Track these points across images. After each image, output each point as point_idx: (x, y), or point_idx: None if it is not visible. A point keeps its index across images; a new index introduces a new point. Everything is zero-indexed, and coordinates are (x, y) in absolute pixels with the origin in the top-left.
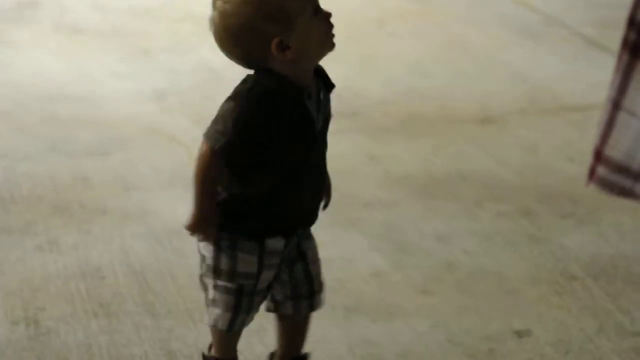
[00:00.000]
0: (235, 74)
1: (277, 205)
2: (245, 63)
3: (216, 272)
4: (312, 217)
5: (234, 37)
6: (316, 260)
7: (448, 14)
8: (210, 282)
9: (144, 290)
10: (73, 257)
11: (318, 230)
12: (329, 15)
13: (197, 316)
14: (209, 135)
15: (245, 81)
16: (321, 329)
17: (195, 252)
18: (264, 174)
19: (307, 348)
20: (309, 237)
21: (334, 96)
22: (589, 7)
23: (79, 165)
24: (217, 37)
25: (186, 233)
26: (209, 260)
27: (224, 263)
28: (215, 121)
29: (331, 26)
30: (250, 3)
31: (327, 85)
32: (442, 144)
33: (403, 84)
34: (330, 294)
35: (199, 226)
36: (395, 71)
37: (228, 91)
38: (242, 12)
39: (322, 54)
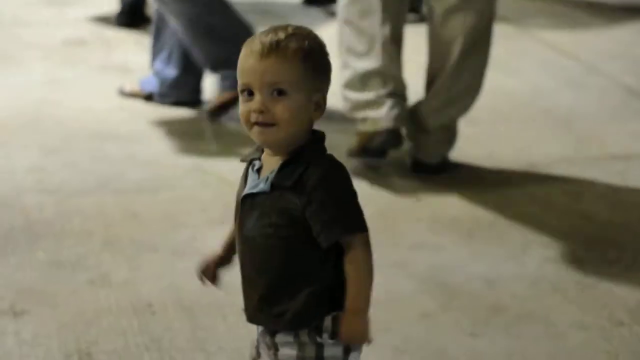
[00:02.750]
0: None
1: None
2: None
3: None
4: (257, 314)
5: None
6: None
7: (491, 63)
8: None
9: (195, 326)
10: (124, 292)
11: None
12: (256, 107)
13: (246, 354)
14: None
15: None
16: None
17: None
18: None
19: None
20: (270, 348)
21: None
22: (628, 58)
23: (128, 201)
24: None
25: (238, 268)
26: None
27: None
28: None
29: (248, 115)
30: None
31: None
32: (488, 189)
33: None
34: (378, 334)
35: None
36: None
37: None
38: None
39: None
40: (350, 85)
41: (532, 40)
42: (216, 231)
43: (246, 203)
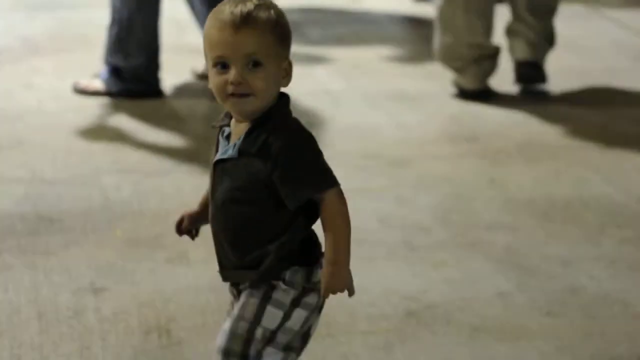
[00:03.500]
0: (356, 95)
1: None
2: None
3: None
4: (231, 273)
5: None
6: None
7: (563, 43)
8: None
9: None
10: (202, 270)
11: (441, 251)
12: (233, 79)
13: (324, 331)
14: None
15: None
16: (447, 347)
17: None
18: None
19: None
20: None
21: (454, 119)
22: None
23: (205, 181)
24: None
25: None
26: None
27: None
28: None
29: (223, 88)
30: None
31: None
32: (563, 169)
33: (522, 109)
34: (456, 313)
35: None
36: (514, 97)
37: (332, 118)
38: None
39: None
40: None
41: (604, 20)
42: None
43: (217, 169)
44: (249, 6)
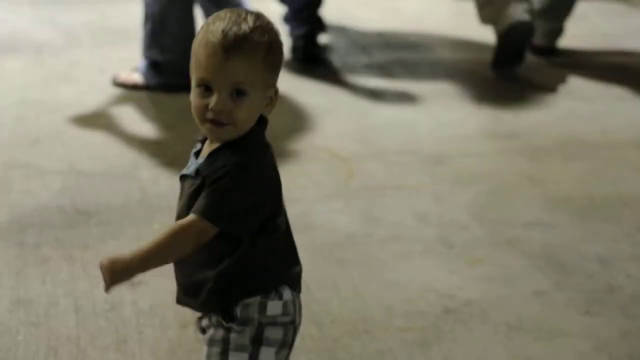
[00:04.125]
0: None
1: None
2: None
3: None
4: (181, 297)
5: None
6: None
7: (604, 40)
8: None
9: (309, 300)
10: None
11: (479, 248)
12: (215, 105)
13: (361, 327)
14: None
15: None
16: (482, 345)
17: (358, 264)
18: None
19: None
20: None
21: (493, 116)
22: None
23: None
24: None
25: (350, 244)
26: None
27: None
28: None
29: (203, 112)
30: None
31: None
32: (601, 167)
33: (561, 107)
34: (492, 311)
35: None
36: (553, 94)
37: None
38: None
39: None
40: None
41: None
42: (328, 205)
43: (181, 184)
44: (244, 28)
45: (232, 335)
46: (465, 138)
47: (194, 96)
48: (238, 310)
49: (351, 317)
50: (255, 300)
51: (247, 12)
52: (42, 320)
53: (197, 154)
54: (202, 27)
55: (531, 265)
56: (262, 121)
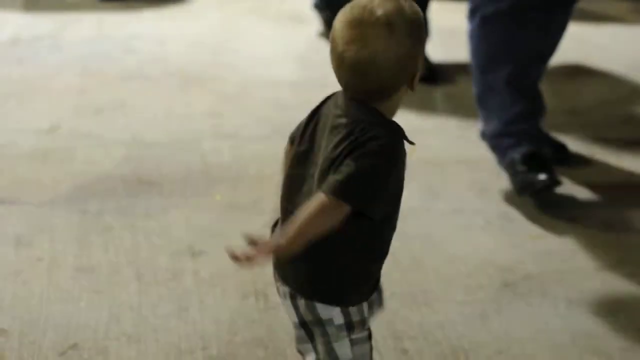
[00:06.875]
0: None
1: None
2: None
3: (350, 327)
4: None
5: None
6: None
7: None
8: (344, 343)
9: None
10: None
11: (539, 222)
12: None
13: (420, 299)
14: (343, 189)
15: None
16: (543, 318)
17: (418, 237)
18: None
19: (528, 336)
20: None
21: (555, 93)
22: None
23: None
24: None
25: (411, 216)
26: (339, 320)
27: (355, 314)
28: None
29: None
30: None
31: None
32: None
33: (625, 84)
34: (552, 285)
35: None
36: (618, 71)
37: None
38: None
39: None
40: None
41: None
42: None
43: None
44: None
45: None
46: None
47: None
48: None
49: (411, 290)
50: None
51: None
52: (104, 287)
53: None
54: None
55: (592, 241)
56: None
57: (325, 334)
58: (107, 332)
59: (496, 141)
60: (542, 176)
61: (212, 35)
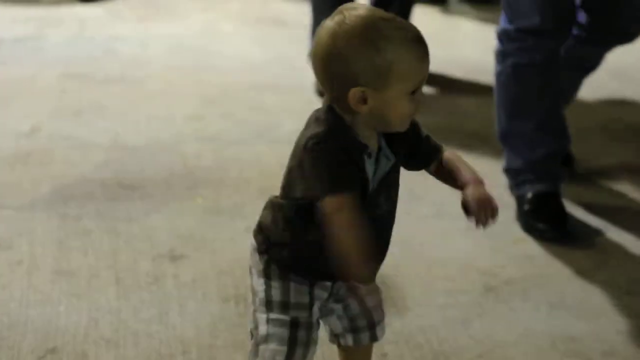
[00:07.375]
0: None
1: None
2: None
3: (268, 305)
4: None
5: (331, 60)
6: (374, 291)
7: None
8: (262, 316)
9: None
10: None
11: (520, 227)
12: (421, 99)
13: (400, 303)
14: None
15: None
16: (525, 323)
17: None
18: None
19: (510, 339)
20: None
21: None
22: None
23: (285, 151)
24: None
25: None
26: (261, 294)
27: (276, 295)
28: None
29: (416, 109)
30: (366, 41)
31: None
32: None
33: (606, 88)
34: (534, 290)
35: None
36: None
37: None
38: (355, 45)
39: (389, 129)
40: None
41: None
42: None
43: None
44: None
45: None
46: None
47: (403, 105)
48: None
49: (392, 294)
50: None
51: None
52: (83, 292)
53: (369, 154)
54: (399, 41)
55: (573, 245)
56: None
57: (254, 302)
58: (86, 336)
59: (518, 177)
60: (541, 226)
61: (194, 38)
